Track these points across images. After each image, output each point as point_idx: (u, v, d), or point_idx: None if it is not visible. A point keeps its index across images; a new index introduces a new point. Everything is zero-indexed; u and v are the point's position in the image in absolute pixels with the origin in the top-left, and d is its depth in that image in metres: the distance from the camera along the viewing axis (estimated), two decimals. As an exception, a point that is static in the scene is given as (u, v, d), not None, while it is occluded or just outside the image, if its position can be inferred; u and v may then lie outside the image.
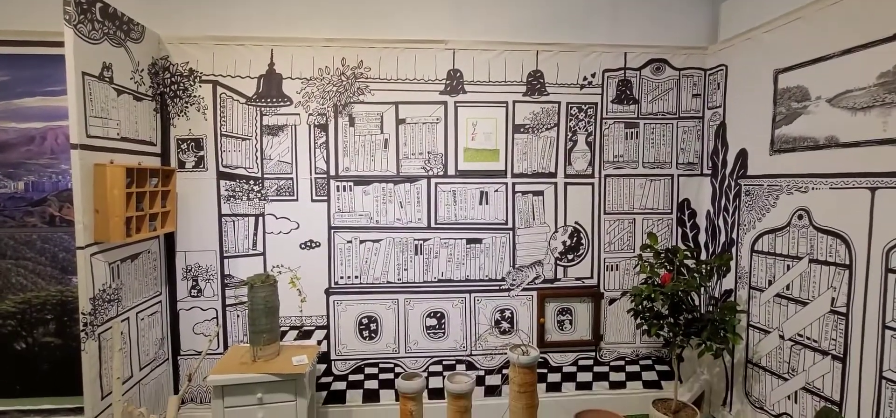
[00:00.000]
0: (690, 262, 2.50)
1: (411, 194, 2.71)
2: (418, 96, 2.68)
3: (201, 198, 2.61)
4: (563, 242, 2.80)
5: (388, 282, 2.73)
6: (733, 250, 2.60)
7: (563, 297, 2.83)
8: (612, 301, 2.85)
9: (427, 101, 2.69)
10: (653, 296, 2.37)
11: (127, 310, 2.25)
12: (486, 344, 2.81)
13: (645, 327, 2.48)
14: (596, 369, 2.89)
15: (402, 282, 2.74)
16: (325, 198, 2.67)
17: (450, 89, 2.69)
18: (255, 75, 2.61)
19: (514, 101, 2.73)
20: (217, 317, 2.66)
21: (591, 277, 2.83)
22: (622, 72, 2.76)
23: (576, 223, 2.80)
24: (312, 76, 2.63)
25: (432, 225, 2.73)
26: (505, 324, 2.82)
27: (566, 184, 2.78)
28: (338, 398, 2.76)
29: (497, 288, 2.79)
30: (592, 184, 2.80)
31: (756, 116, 2.43)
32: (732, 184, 2.61)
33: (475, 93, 2.70)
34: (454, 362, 2.81)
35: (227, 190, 2.62)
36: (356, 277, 2.71)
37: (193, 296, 2.64)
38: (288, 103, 2.63)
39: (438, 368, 2.80)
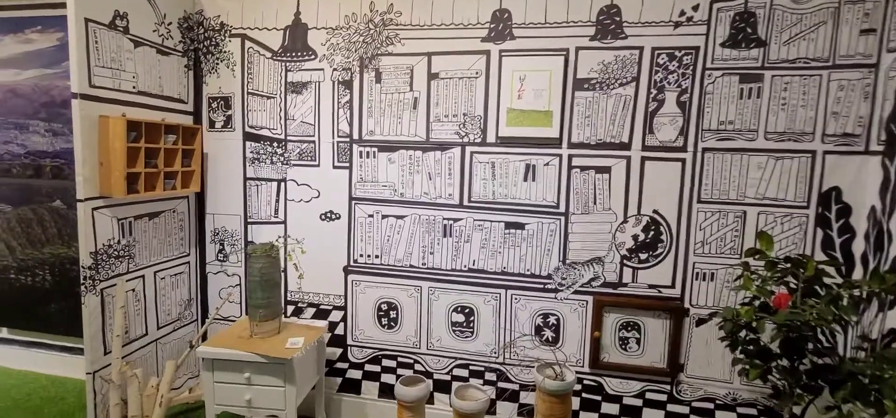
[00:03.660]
0: (833, 281, 1.66)
1: (442, 164, 2.27)
2: (456, 44, 2.20)
3: (229, 160, 2.50)
4: (635, 236, 2.12)
5: (411, 266, 2.35)
6: (912, 270, 1.67)
7: (630, 309, 2.15)
8: (700, 321, 2.07)
9: (466, 50, 2.20)
10: (754, 324, 1.61)
11: (141, 268, 2.22)
12: (520, 351, 2.28)
13: (742, 366, 1.73)
14: (671, 407, 2.17)
15: (427, 268, 2.34)
16: (347, 164, 2.37)
17: (495, 35, 2.17)
18: (281, 26, 2.39)
19: (578, 48, 2.10)
20: (240, 284, 2.57)
21: (673, 286, 2.11)
22: (743, 1, 1.94)
23: (654, 212, 2.10)
24: (338, 25, 2.32)
25: (465, 202, 2.27)
26: (548, 333, 2.25)
27: (644, 158, 2.08)
28: (353, 387, 2.49)
29: (541, 286, 2.23)
30: (683, 160, 2.05)
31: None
32: (921, 166, 1.66)
33: (526, 39, 2.14)
34: (483, 369, 2.34)
35: (252, 152, 2.47)
36: (376, 257, 2.39)
37: (220, 260, 2.58)
38: (312, 57, 2.36)
39: (464, 373, 2.36)
